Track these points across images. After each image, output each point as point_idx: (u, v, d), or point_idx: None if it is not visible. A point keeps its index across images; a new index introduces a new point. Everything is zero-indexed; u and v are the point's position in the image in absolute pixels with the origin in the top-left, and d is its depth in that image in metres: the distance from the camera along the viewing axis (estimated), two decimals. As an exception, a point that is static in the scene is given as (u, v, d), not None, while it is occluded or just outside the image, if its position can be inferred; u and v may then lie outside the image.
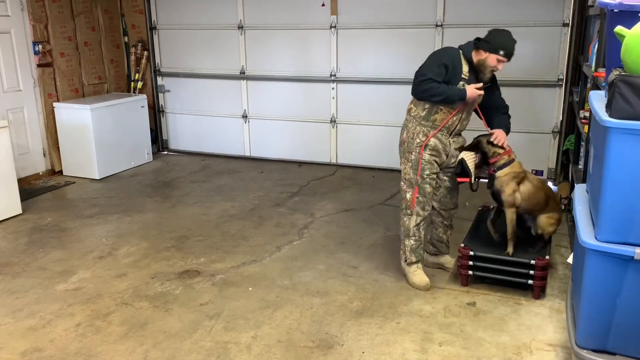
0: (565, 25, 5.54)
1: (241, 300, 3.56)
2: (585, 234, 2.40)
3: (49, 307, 3.50)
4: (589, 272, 2.40)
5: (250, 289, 3.72)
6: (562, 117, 5.74)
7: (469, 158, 3.59)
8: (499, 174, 3.57)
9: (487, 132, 3.66)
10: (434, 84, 3.43)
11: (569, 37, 5.53)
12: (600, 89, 3.20)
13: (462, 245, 3.67)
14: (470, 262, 3.61)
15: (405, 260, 3.78)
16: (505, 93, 5.91)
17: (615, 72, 2.30)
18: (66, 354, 3.01)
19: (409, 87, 6.49)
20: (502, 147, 3.57)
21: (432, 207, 3.83)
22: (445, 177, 3.77)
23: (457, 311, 3.39)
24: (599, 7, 3.35)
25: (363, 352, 2.99)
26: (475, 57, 3.49)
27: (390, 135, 6.45)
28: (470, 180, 3.61)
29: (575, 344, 2.53)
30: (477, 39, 3.51)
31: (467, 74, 3.51)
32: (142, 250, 4.36)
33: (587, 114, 3.75)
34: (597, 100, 2.52)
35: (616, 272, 2.33)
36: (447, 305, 3.47)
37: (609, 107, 2.26)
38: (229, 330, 3.22)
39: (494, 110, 3.74)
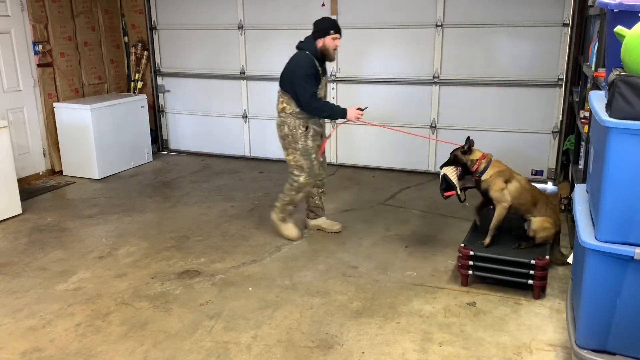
0: (565, 25, 5.54)
1: (241, 300, 3.57)
2: (585, 234, 2.40)
3: (49, 307, 3.50)
4: (589, 272, 2.40)
5: (250, 289, 3.72)
6: (562, 117, 5.74)
7: (451, 172, 3.78)
8: (483, 177, 3.72)
9: (458, 146, 3.84)
10: (321, 101, 4.18)
11: (569, 37, 5.53)
12: (600, 89, 3.20)
13: (462, 245, 3.67)
14: (470, 262, 3.62)
15: (282, 220, 4.47)
16: (506, 93, 5.98)
17: (615, 72, 2.30)
18: (66, 354, 3.01)
19: (409, 87, 6.51)
20: (472, 152, 3.75)
21: None
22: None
23: (457, 311, 3.39)
24: (599, 7, 3.35)
25: (363, 352, 2.99)
26: (318, 47, 4.13)
27: (391, 135, 6.46)
28: (457, 192, 3.76)
29: (575, 344, 2.54)
30: (312, 34, 4.17)
31: (319, 67, 4.17)
32: (142, 250, 4.36)
33: (587, 114, 3.75)
34: (597, 100, 2.52)
35: (616, 272, 2.33)
36: (447, 305, 3.47)
37: (609, 107, 2.26)
38: (229, 330, 3.22)
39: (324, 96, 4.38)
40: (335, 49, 4.17)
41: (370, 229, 4.72)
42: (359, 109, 4.23)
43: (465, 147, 3.77)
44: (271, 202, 5.40)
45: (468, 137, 3.80)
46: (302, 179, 4.29)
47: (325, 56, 4.18)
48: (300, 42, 4.23)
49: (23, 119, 6.10)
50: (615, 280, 2.34)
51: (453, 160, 3.82)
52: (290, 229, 4.50)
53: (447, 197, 3.82)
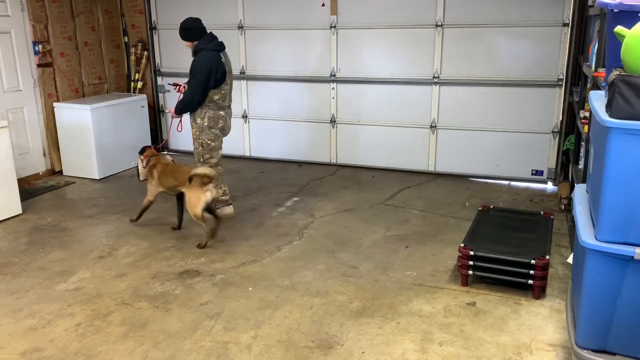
0: (565, 25, 5.54)
1: (241, 300, 3.57)
2: (585, 234, 2.40)
3: (49, 307, 3.50)
4: (589, 272, 2.40)
5: (250, 289, 3.72)
6: (562, 117, 5.74)
7: (139, 163, 4.90)
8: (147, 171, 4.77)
9: (147, 146, 4.98)
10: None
11: (569, 37, 5.53)
12: (600, 89, 3.20)
13: (462, 245, 3.67)
14: (470, 262, 3.61)
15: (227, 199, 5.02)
16: (506, 93, 5.98)
17: (615, 72, 2.30)
18: (66, 354, 3.01)
19: (409, 87, 6.51)
20: (144, 152, 4.83)
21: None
22: None
23: (457, 311, 3.39)
24: (599, 7, 3.35)
25: (363, 352, 2.99)
26: None
27: (390, 135, 6.47)
28: (139, 178, 4.94)
29: (575, 344, 2.54)
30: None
31: None
32: (142, 250, 4.36)
33: (587, 114, 3.75)
34: (597, 100, 2.52)
35: (616, 272, 2.33)
36: (447, 305, 3.47)
37: (609, 107, 2.26)
38: (229, 330, 3.22)
39: None
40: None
41: (370, 229, 4.72)
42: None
43: (140, 150, 4.88)
44: (271, 202, 5.44)
45: (145, 147, 4.94)
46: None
47: None
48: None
49: (23, 119, 6.09)
50: (615, 280, 2.34)
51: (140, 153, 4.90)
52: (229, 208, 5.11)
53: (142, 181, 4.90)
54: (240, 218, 5.03)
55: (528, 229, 3.93)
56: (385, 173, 6.42)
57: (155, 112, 7.48)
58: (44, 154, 6.39)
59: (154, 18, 7.23)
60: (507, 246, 3.65)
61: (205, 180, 4.28)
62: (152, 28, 7.25)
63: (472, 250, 3.60)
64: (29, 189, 5.86)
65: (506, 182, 6.01)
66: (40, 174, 6.34)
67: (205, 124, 4.73)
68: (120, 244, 4.48)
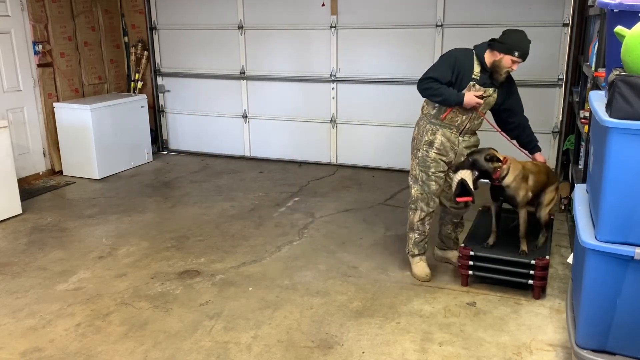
0: (565, 25, 5.54)
1: (241, 300, 3.57)
2: (585, 234, 2.40)
3: (49, 307, 3.50)
4: (589, 272, 2.40)
5: (250, 289, 3.72)
6: (562, 117, 5.74)
7: (468, 178, 3.46)
8: (506, 183, 3.50)
9: (479, 149, 3.61)
10: (434, 84, 3.49)
11: (569, 37, 5.53)
12: (600, 89, 3.20)
13: (462, 245, 3.67)
14: (470, 262, 3.61)
15: (408, 252, 3.91)
16: (505, 93, 5.94)
17: (615, 72, 2.30)
18: (66, 354, 3.01)
19: (409, 87, 6.48)
20: (499, 160, 3.47)
21: (444, 205, 3.89)
22: None
23: (457, 311, 3.39)
24: (599, 7, 3.35)
25: (363, 352, 2.99)
26: (490, 58, 3.51)
27: (391, 135, 6.47)
28: (473, 199, 3.54)
29: (575, 344, 2.54)
30: (492, 39, 3.52)
31: (478, 75, 3.52)
32: (142, 250, 4.36)
33: (587, 114, 3.75)
34: (597, 100, 2.52)
35: (616, 272, 2.33)
36: (447, 305, 3.47)
37: (609, 107, 2.26)
38: (229, 330, 3.22)
39: (514, 117, 3.81)
40: (508, 71, 3.51)
41: (370, 229, 4.72)
42: (479, 96, 3.53)
43: (487, 157, 3.46)
44: (271, 202, 5.44)
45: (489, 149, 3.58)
46: (413, 190, 3.74)
47: (493, 71, 3.52)
48: (477, 45, 3.65)
49: (23, 119, 6.09)
50: (615, 280, 2.34)
51: (472, 164, 3.48)
52: (417, 266, 3.82)
53: (459, 202, 3.63)
54: (240, 218, 5.03)
55: (528, 229, 3.93)
56: (385, 173, 6.42)
57: (155, 112, 7.48)
58: (44, 154, 6.39)
59: (154, 18, 7.22)
60: (507, 246, 3.65)
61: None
62: (152, 28, 7.25)
63: (472, 251, 3.60)
64: (29, 189, 5.86)
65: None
66: (40, 174, 6.34)
67: None
68: (120, 244, 4.48)
